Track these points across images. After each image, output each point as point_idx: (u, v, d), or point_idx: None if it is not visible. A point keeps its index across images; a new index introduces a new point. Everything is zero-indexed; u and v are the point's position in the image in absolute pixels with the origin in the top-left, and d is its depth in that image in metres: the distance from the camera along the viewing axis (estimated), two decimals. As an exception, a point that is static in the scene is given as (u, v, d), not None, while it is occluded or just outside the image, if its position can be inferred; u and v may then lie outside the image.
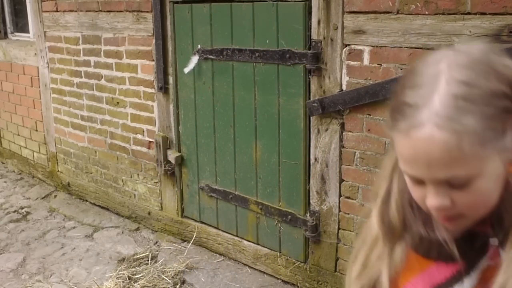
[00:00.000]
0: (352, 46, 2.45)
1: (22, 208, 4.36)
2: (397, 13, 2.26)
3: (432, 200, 0.74)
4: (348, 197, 2.64)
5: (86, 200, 4.38)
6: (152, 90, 3.55)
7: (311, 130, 2.71)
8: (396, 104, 0.75)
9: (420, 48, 2.22)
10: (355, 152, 2.55)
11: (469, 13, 2.07)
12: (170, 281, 3.08)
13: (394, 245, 0.87)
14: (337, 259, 2.76)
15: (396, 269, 0.86)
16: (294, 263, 2.95)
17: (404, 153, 0.73)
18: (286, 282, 3.02)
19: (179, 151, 3.50)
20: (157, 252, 3.48)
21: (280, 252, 3.02)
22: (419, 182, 0.75)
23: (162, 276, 3.13)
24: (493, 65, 0.71)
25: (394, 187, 0.86)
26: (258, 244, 3.15)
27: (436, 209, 0.75)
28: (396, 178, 0.86)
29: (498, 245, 0.80)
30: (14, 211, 4.30)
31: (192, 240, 3.47)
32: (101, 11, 3.76)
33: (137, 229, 3.88)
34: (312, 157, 2.73)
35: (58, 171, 4.63)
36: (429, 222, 0.86)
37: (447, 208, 0.74)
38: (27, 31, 4.82)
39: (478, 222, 0.81)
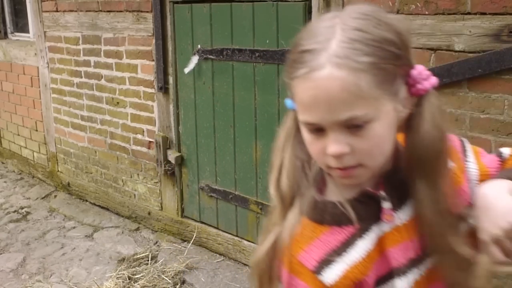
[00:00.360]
0: (352, 46, 2.45)
1: (22, 208, 4.36)
2: (397, 13, 2.26)
3: (332, 147, 0.76)
4: (348, 197, 2.64)
5: (86, 200, 4.38)
6: (152, 90, 3.55)
7: (311, 130, 2.70)
8: (294, 56, 0.78)
9: (420, 48, 2.22)
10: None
11: (469, 13, 2.07)
12: (170, 281, 3.08)
13: (286, 212, 0.88)
14: (337, 259, 2.76)
15: (288, 237, 0.86)
16: (294, 263, 2.95)
17: (305, 97, 0.76)
18: (286, 282, 3.02)
19: (179, 151, 3.50)
20: (157, 252, 3.48)
21: (280, 252, 3.02)
22: (319, 132, 0.77)
23: (162, 276, 3.13)
24: (381, 18, 0.76)
25: (286, 156, 0.88)
26: (258, 244, 3.14)
27: (336, 155, 0.76)
28: (288, 147, 0.88)
29: (391, 208, 0.84)
30: (14, 211, 4.30)
31: (192, 240, 3.47)
32: (101, 11, 3.77)
33: (137, 229, 3.88)
34: (312, 157, 2.73)
35: (58, 171, 4.63)
36: (323, 188, 0.89)
37: (346, 155, 0.76)
38: (27, 31, 4.83)
39: (372, 184, 0.85)
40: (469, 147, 0.93)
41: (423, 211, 0.83)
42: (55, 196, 4.58)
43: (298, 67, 0.76)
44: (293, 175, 0.88)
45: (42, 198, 4.56)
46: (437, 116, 0.81)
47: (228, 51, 2.97)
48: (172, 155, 3.50)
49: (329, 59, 0.72)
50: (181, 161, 3.49)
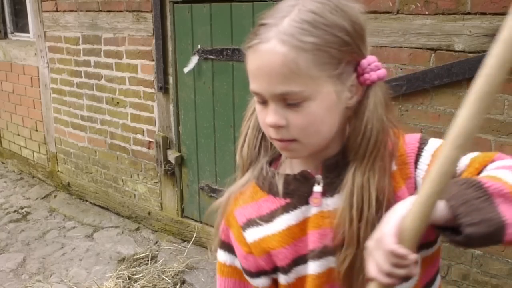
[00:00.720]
0: (352, 46, 2.45)
1: (22, 208, 4.36)
2: (397, 13, 2.26)
3: (270, 117, 0.80)
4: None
5: (86, 200, 4.38)
6: (152, 90, 3.55)
7: (311, 130, 2.70)
8: (254, 29, 0.83)
9: (420, 48, 2.22)
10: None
11: (469, 13, 2.07)
12: (170, 281, 3.08)
13: (244, 174, 0.96)
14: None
15: (233, 193, 0.96)
16: (294, 263, 2.95)
17: (252, 67, 0.82)
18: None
19: (179, 151, 3.50)
20: (157, 252, 3.48)
21: (280, 252, 3.02)
22: (265, 103, 0.82)
23: (162, 276, 3.13)
24: (340, 5, 0.79)
25: (250, 125, 0.96)
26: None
27: (272, 126, 0.81)
28: (252, 118, 0.95)
29: (321, 192, 0.87)
30: (14, 211, 4.30)
31: (192, 240, 3.47)
32: (101, 11, 3.77)
33: (137, 229, 3.88)
34: (312, 157, 2.73)
35: (58, 171, 4.63)
36: (277, 159, 0.95)
37: (283, 127, 0.80)
38: (27, 31, 4.83)
39: (314, 165, 0.88)
40: (428, 153, 0.85)
41: (345, 199, 0.82)
42: (55, 196, 4.58)
43: (252, 38, 0.81)
44: (253, 144, 0.94)
45: (42, 198, 4.56)
46: (379, 108, 0.81)
47: (228, 51, 2.97)
48: (172, 155, 3.50)
49: (276, 34, 0.77)
50: (181, 161, 3.49)
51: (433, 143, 0.86)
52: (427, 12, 2.17)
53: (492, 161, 0.78)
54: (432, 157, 0.83)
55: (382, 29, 2.32)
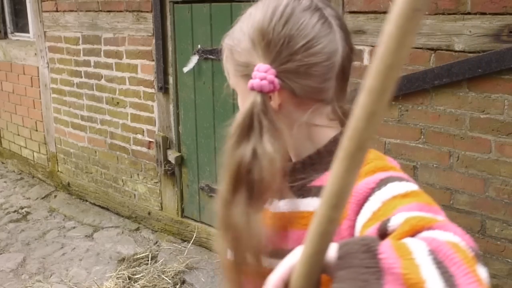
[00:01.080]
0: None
1: (22, 208, 4.36)
2: (397, 13, 2.26)
3: None
4: (348, 197, 2.63)
5: (86, 200, 4.38)
6: (152, 90, 3.55)
7: (311, 130, 2.70)
8: None
9: (420, 48, 2.22)
10: (355, 152, 2.55)
11: (469, 13, 2.07)
12: (170, 281, 3.08)
13: None
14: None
15: None
16: (294, 263, 2.95)
17: None
18: (286, 282, 3.02)
19: (179, 151, 3.50)
20: (157, 252, 3.48)
21: (280, 252, 3.02)
22: None
23: (162, 276, 3.13)
24: (252, 15, 0.89)
25: None
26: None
27: None
28: None
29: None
30: (14, 211, 4.30)
31: (192, 240, 3.47)
32: (101, 11, 3.77)
33: (137, 229, 3.88)
34: (312, 157, 2.72)
35: (58, 171, 4.63)
36: None
37: None
38: (27, 31, 4.83)
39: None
40: (377, 198, 0.71)
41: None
42: (55, 196, 4.58)
43: None
44: None
45: (42, 198, 4.56)
46: (245, 119, 0.75)
47: (228, 51, 2.98)
48: (172, 155, 3.50)
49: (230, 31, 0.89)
50: (181, 161, 3.50)
51: (391, 189, 0.71)
52: (427, 12, 2.17)
53: (430, 228, 0.60)
54: (383, 204, 0.69)
55: (382, 29, 2.32)
